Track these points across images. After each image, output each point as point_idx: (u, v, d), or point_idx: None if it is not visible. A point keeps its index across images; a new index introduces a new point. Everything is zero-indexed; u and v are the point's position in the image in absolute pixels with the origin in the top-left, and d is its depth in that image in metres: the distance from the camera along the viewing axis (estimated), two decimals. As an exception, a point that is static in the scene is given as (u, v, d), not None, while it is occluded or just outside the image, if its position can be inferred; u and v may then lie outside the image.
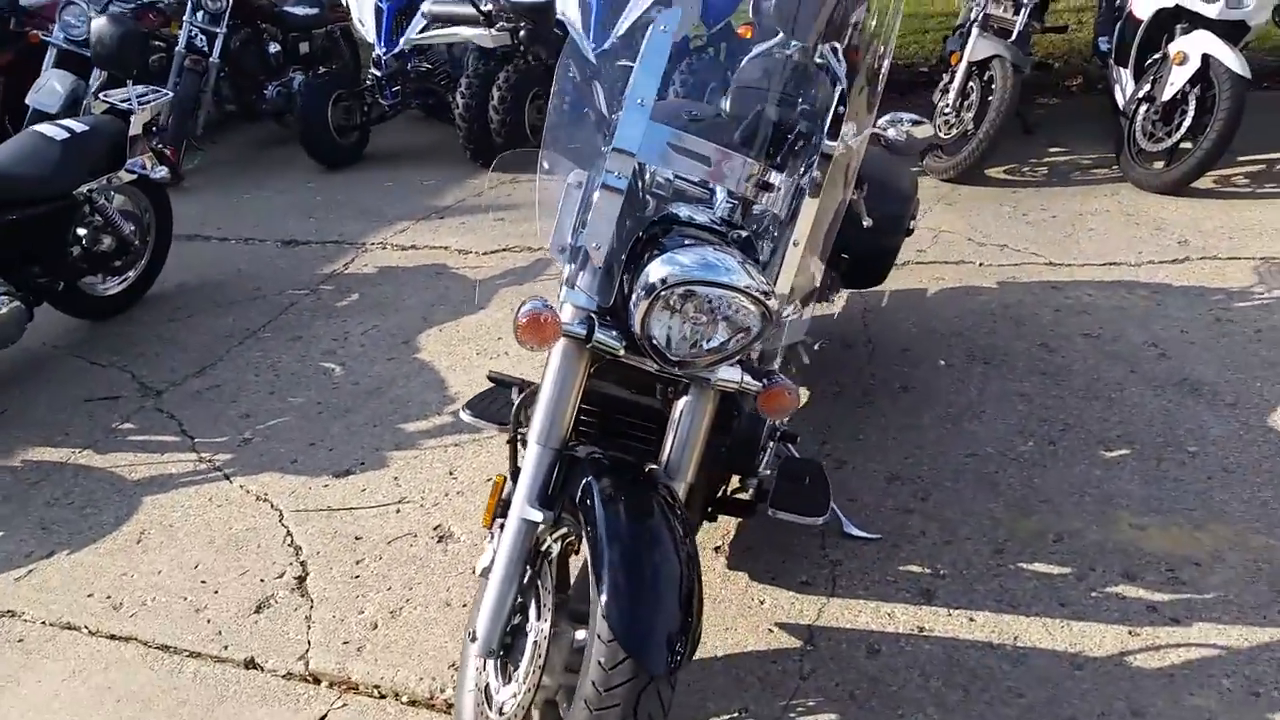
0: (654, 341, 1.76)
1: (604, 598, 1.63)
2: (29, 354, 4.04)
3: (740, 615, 2.39)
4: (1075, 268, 3.96)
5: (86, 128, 4.00)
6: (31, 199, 3.79)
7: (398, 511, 2.89)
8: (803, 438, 2.95)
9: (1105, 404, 3.07)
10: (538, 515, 1.82)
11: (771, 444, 2.53)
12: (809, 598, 2.43)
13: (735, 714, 2.13)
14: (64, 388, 3.80)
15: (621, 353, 1.81)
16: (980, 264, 4.09)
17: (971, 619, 2.33)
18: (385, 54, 6.03)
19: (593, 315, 1.81)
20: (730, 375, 1.86)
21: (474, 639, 1.85)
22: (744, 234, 1.91)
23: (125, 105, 4.11)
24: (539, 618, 1.84)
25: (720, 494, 2.42)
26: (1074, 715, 2.07)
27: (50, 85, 5.65)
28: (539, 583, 1.89)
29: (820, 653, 2.27)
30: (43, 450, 3.38)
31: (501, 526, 1.89)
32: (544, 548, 1.94)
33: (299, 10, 6.79)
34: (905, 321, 3.70)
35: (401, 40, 6.02)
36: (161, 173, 4.22)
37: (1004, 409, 3.10)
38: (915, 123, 2.31)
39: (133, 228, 4.26)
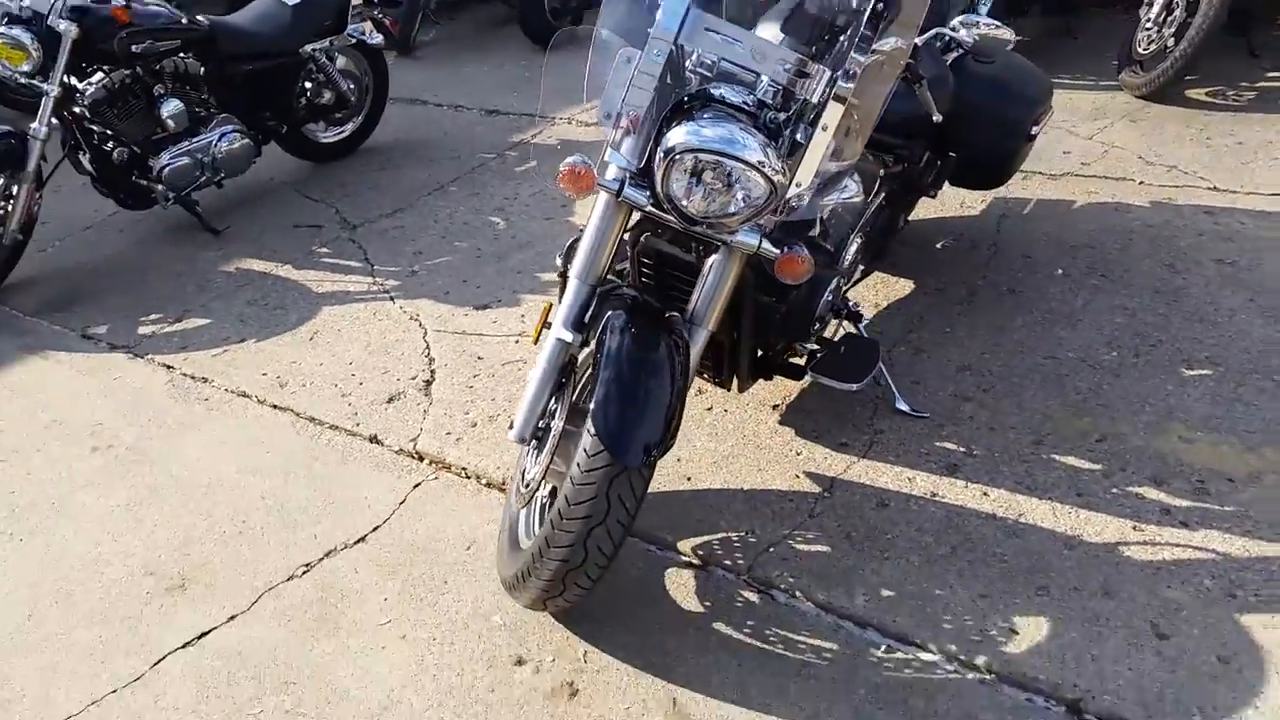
0: (674, 201, 2.02)
1: (596, 401, 1.95)
2: (255, 184, 4.75)
3: (774, 461, 2.66)
4: (1239, 195, 3.79)
5: (311, -6, 4.58)
6: (265, 53, 4.42)
7: (516, 342, 3.31)
8: (893, 325, 3.14)
9: (1207, 326, 3.04)
10: (569, 336, 2.15)
11: (834, 319, 2.75)
12: (842, 456, 2.66)
13: (743, 532, 2.43)
14: (279, 214, 4.48)
15: (647, 208, 2.08)
16: (1140, 182, 3.99)
17: (985, 494, 2.49)
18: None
19: (628, 174, 2.08)
20: (748, 239, 2.08)
21: (511, 428, 2.23)
22: (780, 116, 2.10)
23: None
24: (559, 416, 2.19)
25: (773, 356, 2.66)
26: (1047, 584, 2.23)
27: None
28: (564, 390, 2.23)
29: (833, 499, 2.51)
30: (252, 261, 4.05)
31: (544, 342, 2.24)
32: (576, 364, 2.27)
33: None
34: (1039, 230, 3.71)
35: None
36: (377, 39, 4.76)
37: (1101, 320, 3.13)
38: (993, 25, 2.40)
39: (351, 86, 4.85)
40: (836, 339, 2.80)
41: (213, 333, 3.55)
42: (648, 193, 2.06)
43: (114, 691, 2.14)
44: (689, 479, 2.62)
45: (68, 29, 3.71)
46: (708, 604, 2.24)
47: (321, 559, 2.46)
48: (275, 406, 3.09)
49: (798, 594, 2.25)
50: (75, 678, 2.18)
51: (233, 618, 2.30)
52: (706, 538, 2.42)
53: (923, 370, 2.98)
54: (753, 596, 2.26)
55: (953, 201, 3.96)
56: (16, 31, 3.64)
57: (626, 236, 2.24)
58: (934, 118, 2.58)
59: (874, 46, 2.07)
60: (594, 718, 2.01)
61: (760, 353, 2.60)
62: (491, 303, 3.58)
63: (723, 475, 2.62)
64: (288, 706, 2.07)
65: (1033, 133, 3.17)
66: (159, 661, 2.20)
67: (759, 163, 1.93)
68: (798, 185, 2.02)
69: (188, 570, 2.45)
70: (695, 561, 2.36)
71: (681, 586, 2.30)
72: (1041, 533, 2.36)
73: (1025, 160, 3.38)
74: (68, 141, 3.98)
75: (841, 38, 2.10)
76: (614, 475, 1.95)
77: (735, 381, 2.58)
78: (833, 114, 1.98)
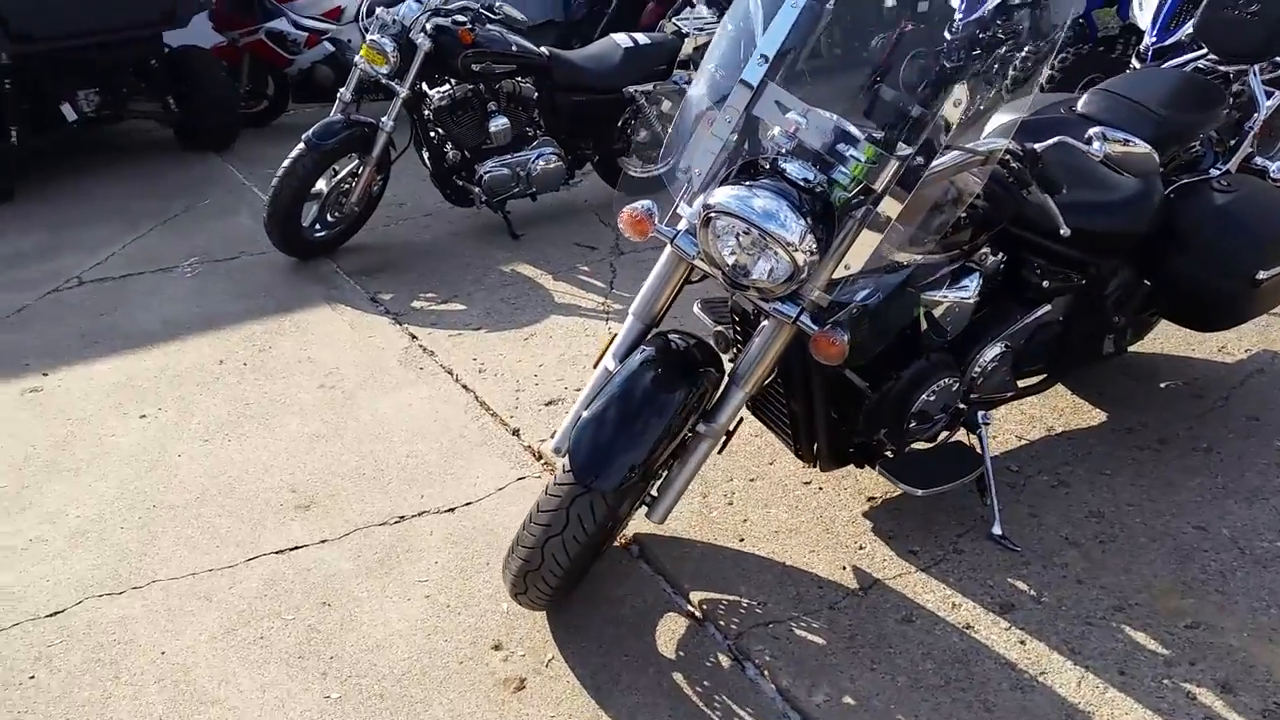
0: (712, 257, 2.16)
1: (582, 419, 2.14)
2: (566, 202, 5.35)
3: (831, 547, 2.64)
4: None
5: (649, 42, 5.06)
6: (593, 88, 4.98)
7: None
8: (1054, 452, 2.98)
9: None
10: (613, 366, 2.36)
11: (947, 424, 2.66)
12: (901, 562, 2.58)
13: (756, 602, 2.47)
14: (569, 231, 5.03)
15: (695, 260, 2.23)
16: None
17: (1022, 642, 2.32)
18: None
19: (693, 226, 2.24)
20: (787, 310, 2.16)
21: (552, 437, 2.47)
22: (845, 195, 2.14)
23: (685, 28, 5.09)
24: None
25: (864, 444, 2.64)
26: (1023, 748, 2.06)
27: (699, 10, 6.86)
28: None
29: (864, 599, 2.46)
30: (526, 266, 4.62)
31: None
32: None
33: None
34: (1296, 395, 3.25)
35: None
36: (697, 85, 5.14)
37: (1291, 506, 2.72)
38: (1132, 142, 2.24)
39: (665, 126, 5.29)
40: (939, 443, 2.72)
41: (462, 317, 4.12)
42: (698, 246, 2.20)
43: (210, 571, 2.67)
44: (742, 539, 2.68)
45: (422, 42, 4.49)
46: (681, 653, 2.33)
47: (414, 516, 2.85)
48: (465, 387, 3.56)
49: (765, 673, 2.26)
50: (193, 550, 2.75)
51: (323, 541, 2.76)
52: (719, 595, 2.49)
53: (1051, 505, 2.77)
54: (725, 661, 2.31)
55: (1211, 342, 3.55)
56: (382, 39, 4.46)
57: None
58: (1061, 231, 2.43)
59: (953, 145, 2.07)
60: (522, 714, 2.19)
61: (855, 437, 2.60)
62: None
63: (775, 545, 2.66)
64: (312, 621, 2.48)
65: (1259, 278, 2.81)
66: (252, 559, 2.71)
67: (788, 242, 2.01)
68: (846, 268, 2.07)
69: (319, 495, 2.96)
70: (696, 613, 2.45)
71: (671, 630, 2.40)
72: (1051, 698, 2.17)
73: (1262, 309, 2.99)
74: (412, 138, 4.79)
75: (922, 130, 2.09)
76: (577, 494, 2.13)
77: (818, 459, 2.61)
78: (890, 204, 2.01)
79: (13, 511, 2.95)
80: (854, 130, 2.08)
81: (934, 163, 2.02)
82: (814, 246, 2.03)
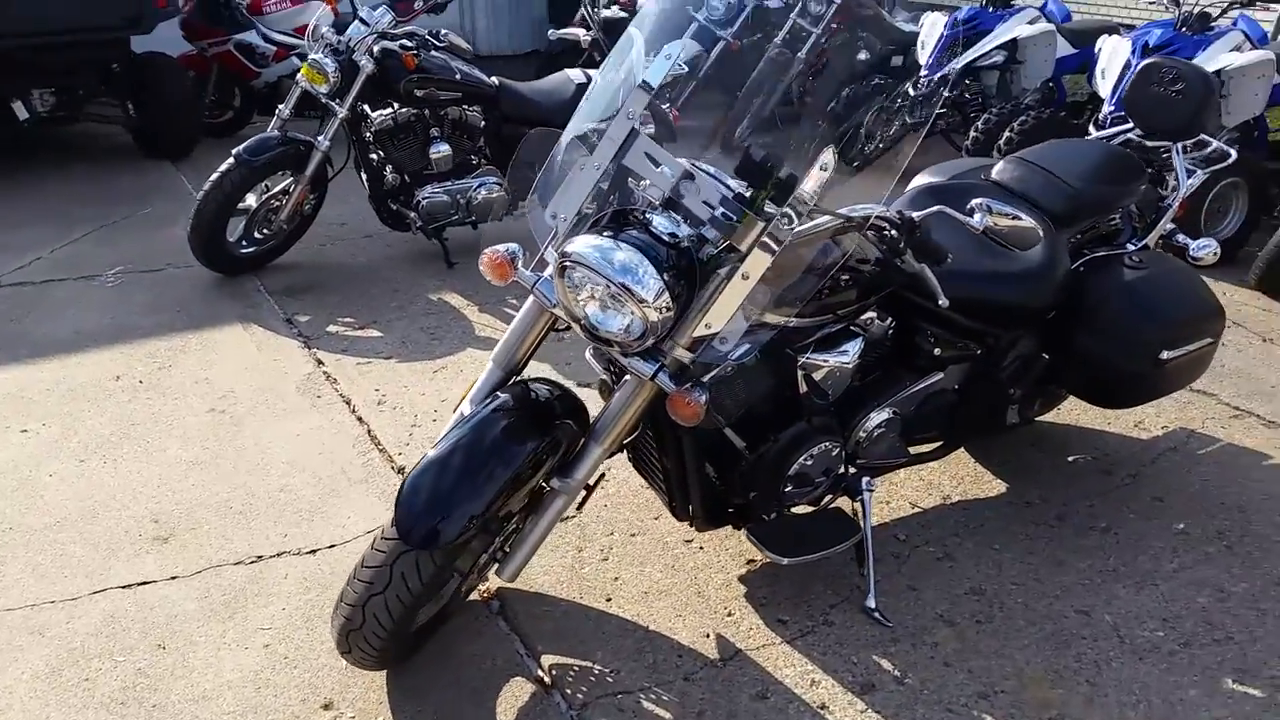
0: (566, 306, 2.06)
1: (411, 472, 2.04)
2: (504, 233, 5.25)
3: (699, 613, 2.53)
4: None
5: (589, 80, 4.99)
6: (541, 121, 4.89)
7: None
8: (945, 523, 2.89)
9: (1309, 646, 2.43)
10: (469, 411, 2.26)
11: (828, 489, 2.56)
12: (768, 632, 2.48)
13: (609, 670, 2.35)
14: (503, 261, 4.93)
15: (553, 308, 2.13)
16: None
17: (876, 727, 2.21)
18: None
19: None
20: (643, 368, 2.06)
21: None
22: (693, 252, 2.05)
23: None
24: None
25: (742, 506, 2.54)
26: (855, 847, 1.94)
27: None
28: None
29: (721, 671, 2.35)
30: (454, 296, 4.54)
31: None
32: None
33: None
34: (1199, 476, 3.16)
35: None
36: (648, 129, 5.07)
37: (1179, 594, 2.63)
38: (1012, 216, 2.16)
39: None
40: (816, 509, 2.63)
41: (375, 344, 4.02)
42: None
43: (50, 602, 2.55)
44: (609, 599, 2.58)
45: (365, 64, 4.42)
46: (518, 721, 2.22)
47: (272, 557, 2.74)
48: (359, 418, 3.46)
49: (600, 749, 2.15)
50: (39, 579, 2.62)
51: (173, 578, 2.64)
52: (573, 661, 2.38)
53: (933, 579, 2.67)
54: (563, 731, 2.19)
55: (1128, 417, 3.47)
56: (323, 58, 4.37)
57: None
58: (940, 301, 2.35)
59: (821, 210, 1.99)
60: (339, 777, 2.08)
61: (732, 497, 2.50)
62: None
63: (642, 608, 2.55)
64: (143, 664, 2.35)
65: (1163, 358, 2.73)
66: (97, 592, 2.59)
67: (641, 299, 1.92)
68: (708, 326, 1.98)
69: (180, 528, 2.84)
70: (545, 679, 2.33)
71: (514, 696, 2.28)
72: (896, 791, 2.06)
73: (1166, 389, 2.92)
74: (351, 158, 4.70)
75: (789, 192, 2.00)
76: (401, 551, 2.02)
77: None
78: (755, 264, 1.92)
79: None
80: (722, 188, 2.00)
81: (799, 226, 1.93)
82: (669, 304, 1.95)
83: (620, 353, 2.07)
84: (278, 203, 4.60)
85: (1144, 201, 3.09)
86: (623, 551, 2.75)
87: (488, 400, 2.18)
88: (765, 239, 1.92)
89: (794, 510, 2.61)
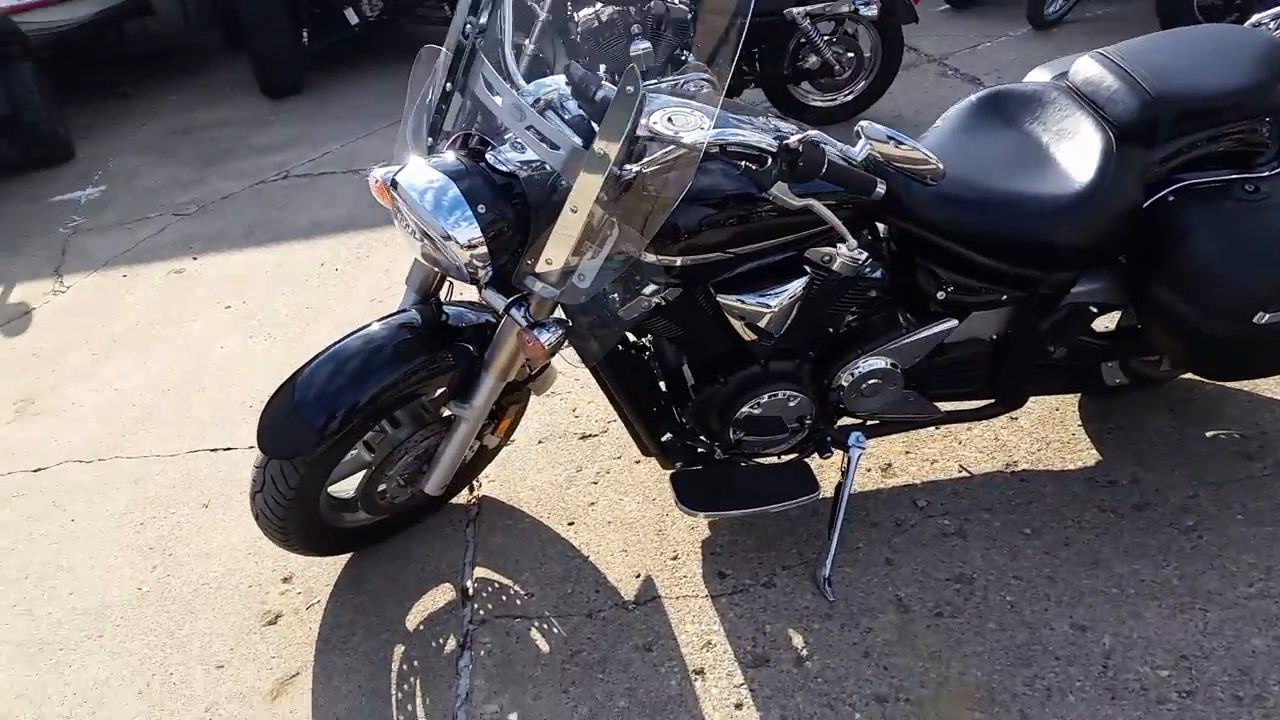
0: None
1: (294, 375, 2.16)
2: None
3: (646, 552, 2.45)
4: None
5: (824, -41, 4.58)
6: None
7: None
8: (987, 494, 2.51)
9: None
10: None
11: (797, 434, 2.34)
12: (699, 583, 2.34)
13: (525, 593, 2.37)
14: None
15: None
16: None
17: (738, 706, 2.04)
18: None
19: None
20: (496, 301, 2.02)
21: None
22: (536, 184, 1.94)
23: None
24: None
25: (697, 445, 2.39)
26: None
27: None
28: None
29: (624, 614, 2.28)
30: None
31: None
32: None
33: None
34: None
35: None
36: (870, 10, 4.60)
37: (1231, 629, 2.07)
38: (900, 145, 1.78)
39: (842, 52, 4.80)
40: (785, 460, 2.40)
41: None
42: None
43: (157, 455, 3.06)
44: (572, 524, 2.57)
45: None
46: (421, 627, 2.33)
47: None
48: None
49: (470, 668, 2.20)
50: (162, 436, 3.15)
51: (250, 447, 3.04)
52: (499, 578, 2.43)
53: (920, 556, 2.35)
54: (450, 645, 2.27)
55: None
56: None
57: None
58: (847, 245, 2.01)
59: (649, 132, 1.81)
60: (249, 653, 2.34)
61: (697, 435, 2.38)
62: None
63: (595, 536, 2.52)
64: (183, 520, 2.78)
65: (1261, 321, 2.09)
66: (193, 451, 3.06)
67: (445, 234, 1.89)
68: (548, 262, 1.91)
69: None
70: (468, 589, 2.41)
71: (433, 600, 2.40)
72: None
73: (1274, 365, 2.23)
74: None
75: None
76: (265, 463, 2.17)
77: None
78: (581, 197, 1.81)
79: (59, 383, 3.56)
80: (547, 120, 1.87)
81: (612, 156, 1.75)
82: (479, 244, 1.88)
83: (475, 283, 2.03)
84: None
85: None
86: (616, 478, 2.70)
87: (386, 317, 2.24)
88: (585, 171, 1.77)
89: (762, 459, 2.40)
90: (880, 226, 2.31)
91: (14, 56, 5.78)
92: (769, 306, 2.09)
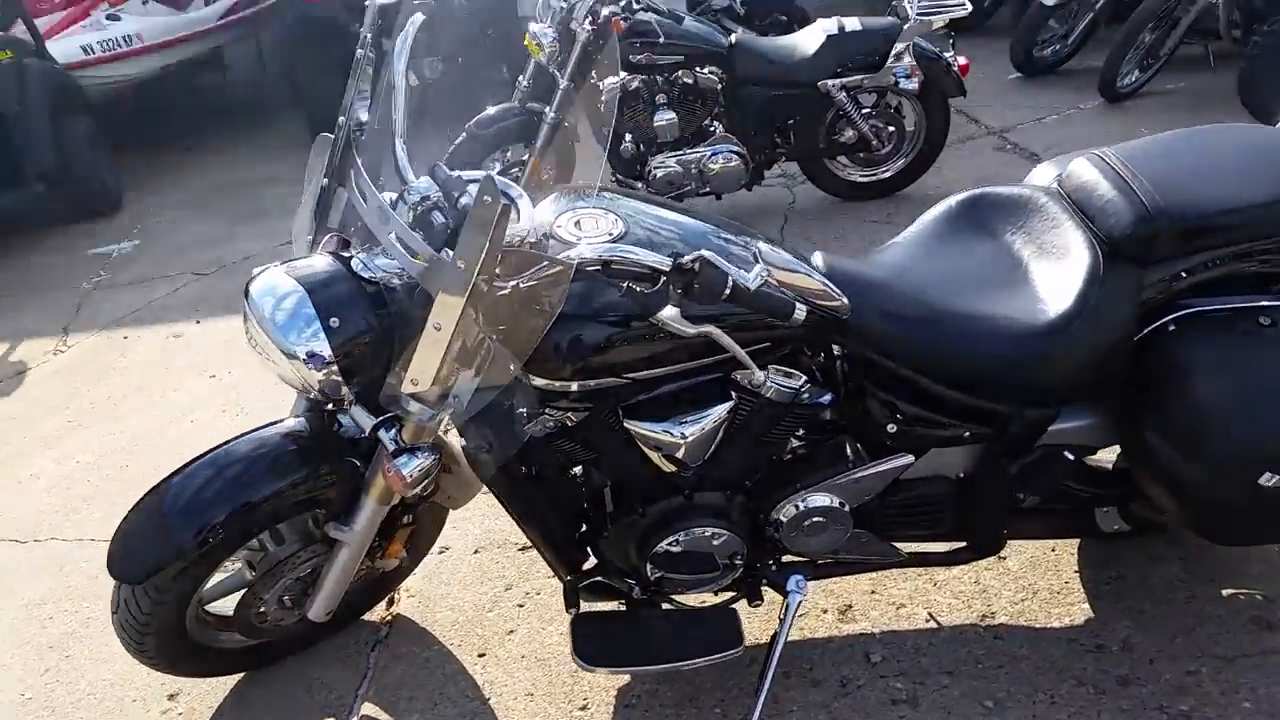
0: None
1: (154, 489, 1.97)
2: (750, 205, 4.83)
3: (553, 697, 2.18)
4: None
5: (860, 28, 4.30)
6: (782, 82, 4.38)
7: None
8: (953, 653, 2.18)
9: None
10: None
11: (726, 574, 2.05)
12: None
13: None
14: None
15: None
16: None
17: None
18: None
19: None
20: (364, 421, 1.81)
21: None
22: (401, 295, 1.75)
23: (908, 9, 4.23)
24: None
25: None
26: None
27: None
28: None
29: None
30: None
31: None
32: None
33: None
34: None
35: None
36: (911, 84, 4.30)
37: None
38: (794, 272, 1.51)
39: (883, 127, 4.51)
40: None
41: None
42: None
43: (92, 540, 2.92)
44: (482, 654, 2.31)
45: (580, 32, 4.28)
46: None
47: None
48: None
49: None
50: (107, 518, 2.97)
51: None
52: (385, 717, 2.18)
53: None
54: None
55: None
56: (541, 29, 4.31)
57: None
58: (755, 378, 1.73)
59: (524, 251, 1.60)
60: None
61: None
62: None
63: (503, 675, 2.26)
64: (90, 616, 2.61)
65: (1265, 484, 1.73)
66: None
67: (289, 351, 1.70)
68: (414, 383, 1.68)
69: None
70: (350, 727, 2.17)
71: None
72: None
73: (1277, 525, 1.87)
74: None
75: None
76: (118, 587, 1.98)
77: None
78: (445, 313, 1.59)
79: (26, 451, 3.47)
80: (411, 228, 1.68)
81: (474, 271, 1.53)
82: (329, 364, 1.69)
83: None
84: (516, 175, 4.66)
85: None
86: (545, 601, 2.44)
87: (273, 421, 2.04)
88: (447, 286, 1.55)
89: (685, 599, 2.12)
90: (836, 346, 2.02)
91: (71, 110, 5.86)
92: (684, 436, 1.82)
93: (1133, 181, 1.85)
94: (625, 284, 1.62)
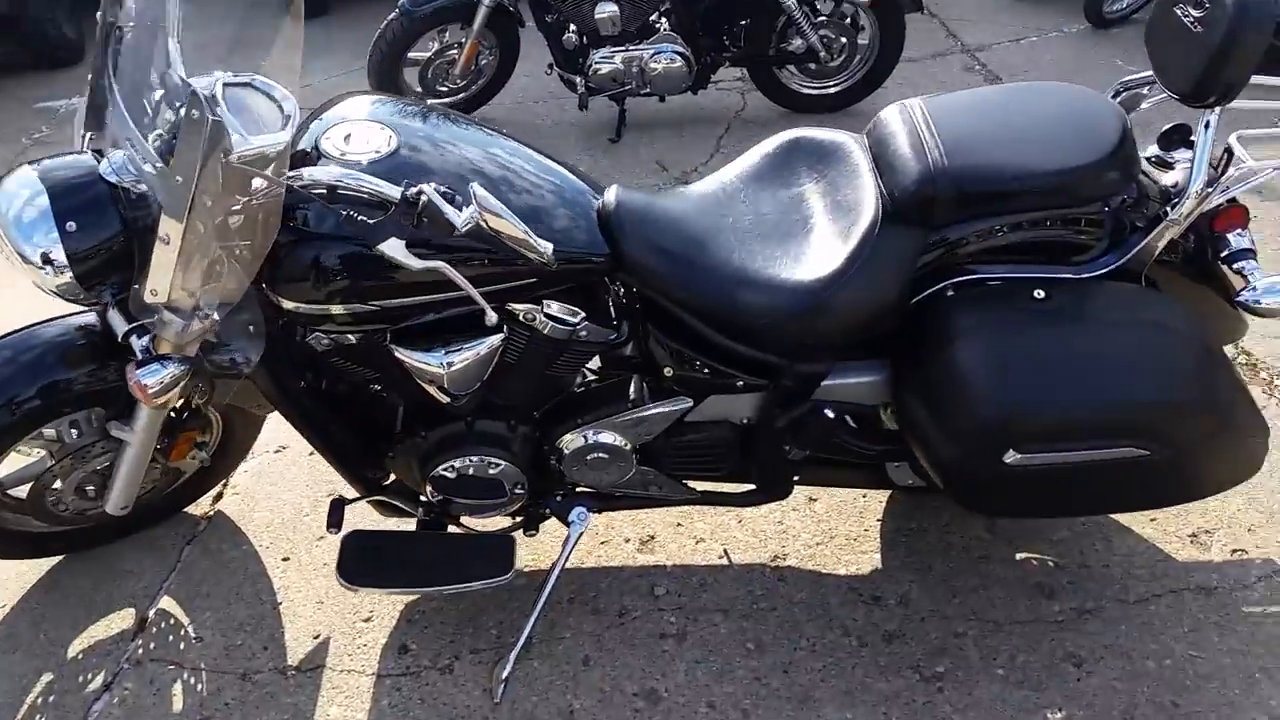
0: None
1: None
2: (697, 109, 4.68)
3: (342, 610, 2.22)
4: None
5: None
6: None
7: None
8: (727, 591, 2.20)
9: None
10: None
11: (505, 502, 2.06)
12: (372, 656, 2.10)
13: (195, 636, 2.17)
14: (673, 142, 4.47)
15: None
16: None
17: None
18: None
19: None
20: (118, 325, 1.79)
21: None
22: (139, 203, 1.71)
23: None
24: None
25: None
26: None
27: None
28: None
29: (281, 679, 2.06)
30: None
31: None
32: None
33: None
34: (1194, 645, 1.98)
35: None
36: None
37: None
38: (500, 218, 1.46)
39: (834, 38, 4.33)
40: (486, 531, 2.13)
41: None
42: None
43: None
44: (286, 559, 2.36)
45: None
46: (81, 655, 2.15)
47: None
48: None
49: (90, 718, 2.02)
50: None
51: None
52: (179, 615, 2.24)
53: (629, 660, 2.06)
54: (93, 685, 2.09)
55: (1190, 519, 2.26)
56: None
57: None
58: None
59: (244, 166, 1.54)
60: None
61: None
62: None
63: (299, 580, 2.30)
64: None
65: (1009, 461, 1.70)
66: None
67: (20, 253, 1.68)
68: (153, 293, 1.66)
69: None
70: (145, 619, 2.22)
71: (111, 624, 2.22)
72: None
73: (1031, 507, 1.85)
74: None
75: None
76: None
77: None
78: (171, 227, 1.57)
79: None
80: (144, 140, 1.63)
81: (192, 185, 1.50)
82: (62, 268, 1.67)
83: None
84: (452, 56, 4.53)
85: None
86: (363, 511, 2.43)
87: (80, 311, 2.02)
88: (169, 200, 1.53)
89: (473, 523, 2.14)
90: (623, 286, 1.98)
91: (22, -49, 5.66)
92: (448, 365, 1.79)
93: (925, 139, 1.77)
94: (345, 211, 1.58)
